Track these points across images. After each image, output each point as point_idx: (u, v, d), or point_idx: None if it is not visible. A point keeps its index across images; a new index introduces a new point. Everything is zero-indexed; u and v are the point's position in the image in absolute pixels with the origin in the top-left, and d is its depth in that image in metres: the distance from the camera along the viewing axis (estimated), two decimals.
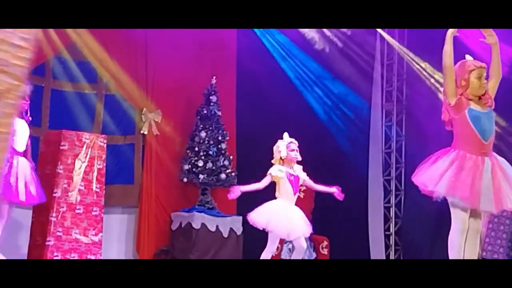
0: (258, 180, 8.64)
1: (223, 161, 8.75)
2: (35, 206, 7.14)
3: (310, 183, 6.40)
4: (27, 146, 6.28)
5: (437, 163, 4.44)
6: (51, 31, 7.76)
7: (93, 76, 8.53)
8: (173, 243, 8.57)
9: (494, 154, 4.50)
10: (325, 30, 9.23)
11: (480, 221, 4.48)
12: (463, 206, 4.34)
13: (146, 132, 8.71)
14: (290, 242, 6.85)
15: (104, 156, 7.46)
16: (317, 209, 8.47)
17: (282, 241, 7.68)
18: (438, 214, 8.36)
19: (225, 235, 8.57)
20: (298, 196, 6.39)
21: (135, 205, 8.68)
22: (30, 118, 5.75)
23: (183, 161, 8.75)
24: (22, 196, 5.47)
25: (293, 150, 6.27)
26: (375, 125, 9.55)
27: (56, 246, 6.98)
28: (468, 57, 4.69)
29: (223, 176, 8.71)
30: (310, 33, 9.35)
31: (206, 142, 8.72)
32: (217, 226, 8.54)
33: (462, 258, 4.37)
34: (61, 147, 7.17)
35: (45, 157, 7.30)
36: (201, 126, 8.78)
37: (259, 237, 8.71)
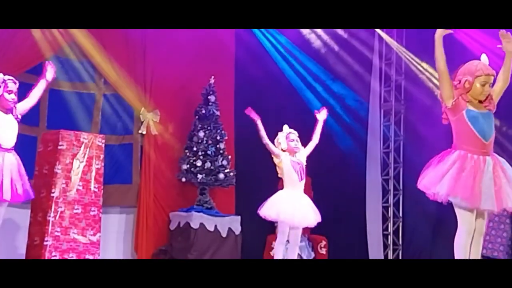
0: (257, 180, 8.67)
1: (221, 161, 8.74)
2: (33, 206, 7.13)
3: (309, 149, 6.46)
4: None
5: (438, 165, 4.42)
6: (49, 31, 7.75)
7: (91, 76, 8.52)
8: (171, 243, 8.56)
9: (495, 154, 4.49)
10: (323, 30, 9.23)
11: (484, 222, 4.47)
12: (465, 206, 4.34)
13: (144, 132, 8.70)
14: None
15: (102, 156, 7.46)
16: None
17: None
18: (438, 214, 8.37)
19: (224, 235, 8.57)
20: None
21: (134, 205, 8.67)
22: (20, 116, 5.69)
23: (181, 161, 8.75)
24: (6, 195, 5.39)
25: (292, 140, 6.35)
26: (373, 125, 9.55)
27: (54, 246, 6.97)
28: (483, 57, 4.62)
29: (221, 176, 8.70)
30: (309, 33, 9.36)
31: (205, 142, 8.72)
32: (215, 226, 8.54)
33: (468, 259, 4.36)
34: (59, 147, 7.16)
35: (43, 157, 7.29)
36: (200, 126, 8.77)
37: (257, 237, 8.74)
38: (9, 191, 5.40)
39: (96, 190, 7.34)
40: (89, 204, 7.26)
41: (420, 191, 4.60)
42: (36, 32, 7.66)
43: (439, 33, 4.55)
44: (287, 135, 6.38)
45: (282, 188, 6.45)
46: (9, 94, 5.56)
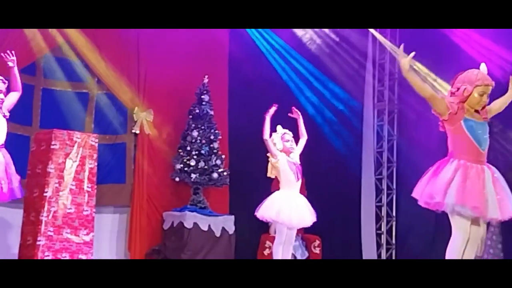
0: (250, 180, 8.66)
1: (215, 160, 8.73)
2: (26, 206, 7.11)
3: (299, 149, 6.45)
4: None
5: (440, 174, 4.39)
6: (42, 30, 7.72)
7: (85, 75, 8.49)
8: (165, 243, 8.54)
9: (487, 163, 4.50)
10: (317, 30, 9.23)
11: (479, 229, 4.47)
12: (470, 215, 4.33)
13: (138, 131, 8.69)
14: None
15: (95, 156, 7.43)
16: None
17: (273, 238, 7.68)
18: (431, 213, 8.38)
19: (217, 234, 8.56)
20: None
21: (127, 205, 8.65)
22: (8, 114, 5.66)
23: (175, 160, 8.73)
24: None
25: (288, 140, 6.36)
26: (367, 125, 9.57)
27: (47, 245, 6.94)
28: (483, 66, 4.61)
29: (215, 175, 8.70)
30: (302, 33, 9.36)
31: (198, 141, 8.71)
32: (209, 226, 8.53)
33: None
34: (52, 147, 7.13)
35: (36, 157, 7.26)
36: (193, 125, 8.76)
37: (251, 236, 8.74)
38: None
39: (89, 189, 7.32)
40: (82, 203, 7.24)
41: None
42: (29, 32, 7.63)
43: (405, 68, 4.46)
44: (282, 135, 6.38)
45: (275, 188, 6.46)
46: None
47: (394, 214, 9.43)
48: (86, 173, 7.31)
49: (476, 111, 4.48)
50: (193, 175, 8.60)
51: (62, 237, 7.05)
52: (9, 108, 5.68)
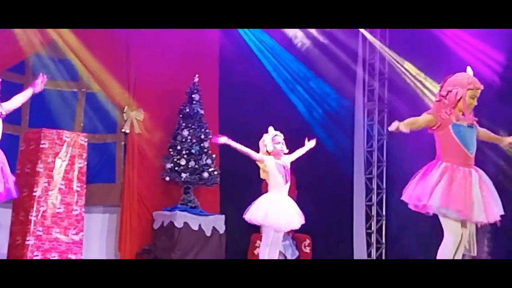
0: (241, 179, 8.66)
1: (205, 160, 8.72)
2: (14, 205, 7.07)
3: (294, 157, 6.46)
4: None
5: (427, 177, 4.43)
6: (32, 29, 7.68)
7: (74, 74, 8.45)
8: (155, 242, 8.52)
9: (475, 167, 4.53)
10: (307, 30, 9.24)
11: (467, 231, 4.50)
12: (455, 218, 4.36)
13: (128, 131, 8.66)
14: None
15: (85, 155, 7.41)
16: (299, 206, 8.51)
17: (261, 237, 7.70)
18: (421, 213, 8.41)
19: (208, 234, 8.55)
20: None
21: (117, 204, 8.62)
22: (5, 114, 5.62)
23: (165, 159, 8.71)
24: None
25: (278, 143, 6.33)
26: (358, 124, 9.59)
27: (36, 245, 6.91)
28: (469, 69, 4.64)
29: (205, 174, 8.68)
30: (293, 32, 9.36)
31: (189, 140, 8.69)
32: (199, 225, 8.52)
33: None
34: (41, 146, 7.10)
35: (25, 156, 7.22)
36: (184, 124, 8.74)
37: (241, 236, 8.73)
38: None
39: (79, 189, 7.29)
40: (71, 203, 7.21)
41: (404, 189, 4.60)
42: (18, 30, 7.59)
43: (400, 128, 4.39)
44: (273, 137, 6.34)
45: (265, 190, 6.45)
46: None
47: (384, 213, 9.46)
48: (76, 173, 7.28)
49: (463, 114, 4.50)
50: (183, 175, 8.59)
51: (51, 237, 7.02)
52: (5, 113, 5.64)
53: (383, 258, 9.30)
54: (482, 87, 4.53)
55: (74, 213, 7.21)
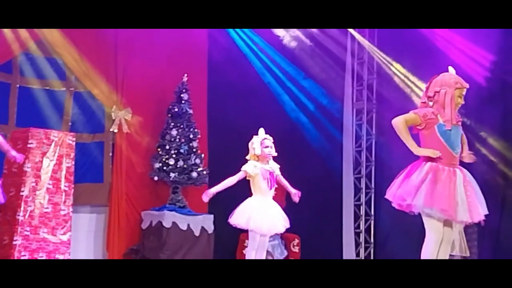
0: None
1: (194, 159, 8.70)
2: (2, 205, 7.00)
3: (280, 178, 6.42)
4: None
5: (412, 177, 4.45)
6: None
7: (62, 73, 8.41)
8: (143, 242, 8.50)
9: (460, 166, 4.56)
10: (296, 30, 9.25)
11: (452, 231, 4.53)
12: (439, 217, 4.39)
13: (116, 130, 8.63)
14: None
15: (72, 154, 7.37)
16: (288, 206, 8.52)
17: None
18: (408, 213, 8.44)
19: (197, 233, 8.54)
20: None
21: (105, 204, 8.59)
22: None
23: (153, 159, 8.68)
24: None
25: (267, 146, 6.27)
26: (347, 124, 9.61)
27: (24, 245, 6.88)
28: (451, 69, 4.67)
29: (194, 174, 8.67)
30: (282, 32, 9.37)
31: (177, 140, 8.67)
32: (188, 225, 8.50)
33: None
34: (29, 145, 7.06)
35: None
36: (172, 124, 8.72)
37: (230, 235, 8.72)
38: None
39: (67, 188, 7.26)
40: (59, 203, 7.17)
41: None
42: (6, 30, 7.53)
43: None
44: (262, 141, 6.27)
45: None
46: None
47: (372, 212, 9.49)
48: (63, 172, 7.24)
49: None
50: (172, 174, 8.57)
51: (39, 237, 6.99)
52: None
53: (372, 257, 9.32)
54: (468, 85, 4.57)
55: (62, 213, 7.18)
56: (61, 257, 7.07)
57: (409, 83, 8.76)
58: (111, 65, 8.70)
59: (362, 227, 9.46)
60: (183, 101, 8.75)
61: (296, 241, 8.86)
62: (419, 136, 4.59)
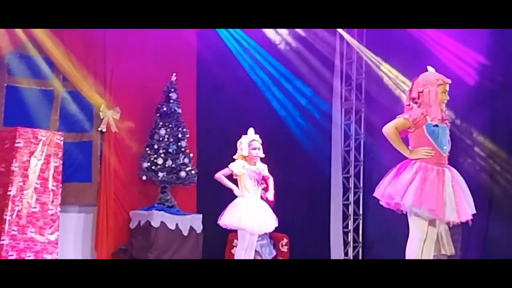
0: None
1: (183, 159, 8.69)
2: None
3: (270, 181, 6.43)
4: None
5: (401, 175, 4.47)
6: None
7: (50, 72, 8.36)
8: (131, 242, 8.47)
9: (449, 165, 4.58)
10: (285, 30, 9.26)
11: (435, 230, 4.56)
12: (426, 217, 4.41)
13: (104, 130, 8.59)
14: None
15: (60, 154, 7.34)
16: (277, 206, 8.54)
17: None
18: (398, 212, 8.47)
19: (185, 233, 8.52)
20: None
21: (93, 204, 8.55)
22: None
23: (142, 159, 8.66)
24: None
25: (255, 148, 6.27)
26: (335, 124, 9.64)
27: (11, 245, 6.83)
28: (430, 68, 4.71)
29: (183, 174, 8.65)
30: (271, 32, 9.37)
31: (166, 139, 8.65)
32: (176, 225, 8.48)
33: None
34: (16, 145, 7.02)
35: None
36: (161, 123, 8.70)
37: (219, 235, 8.72)
38: None
39: (54, 188, 7.22)
40: (47, 202, 7.14)
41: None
42: None
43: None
44: (250, 142, 6.28)
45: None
46: None
47: (361, 212, 9.52)
48: (51, 172, 7.21)
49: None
50: (160, 174, 8.55)
51: (27, 237, 6.95)
52: None
53: (360, 256, 9.35)
54: (450, 81, 4.62)
55: (50, 212, 7.15)
56: (49, 257, 7.04)
57: (398, 82, 8.79)
58: (99, 64, 8.66)
59: (351, 226, 9.49)
60: (171, 101, 8.73)
61: (285, 240, 8.87)
62: (408, 136, 4.61)
